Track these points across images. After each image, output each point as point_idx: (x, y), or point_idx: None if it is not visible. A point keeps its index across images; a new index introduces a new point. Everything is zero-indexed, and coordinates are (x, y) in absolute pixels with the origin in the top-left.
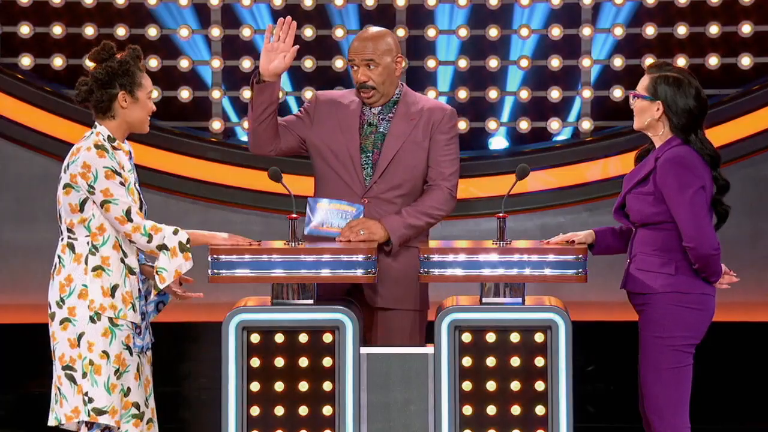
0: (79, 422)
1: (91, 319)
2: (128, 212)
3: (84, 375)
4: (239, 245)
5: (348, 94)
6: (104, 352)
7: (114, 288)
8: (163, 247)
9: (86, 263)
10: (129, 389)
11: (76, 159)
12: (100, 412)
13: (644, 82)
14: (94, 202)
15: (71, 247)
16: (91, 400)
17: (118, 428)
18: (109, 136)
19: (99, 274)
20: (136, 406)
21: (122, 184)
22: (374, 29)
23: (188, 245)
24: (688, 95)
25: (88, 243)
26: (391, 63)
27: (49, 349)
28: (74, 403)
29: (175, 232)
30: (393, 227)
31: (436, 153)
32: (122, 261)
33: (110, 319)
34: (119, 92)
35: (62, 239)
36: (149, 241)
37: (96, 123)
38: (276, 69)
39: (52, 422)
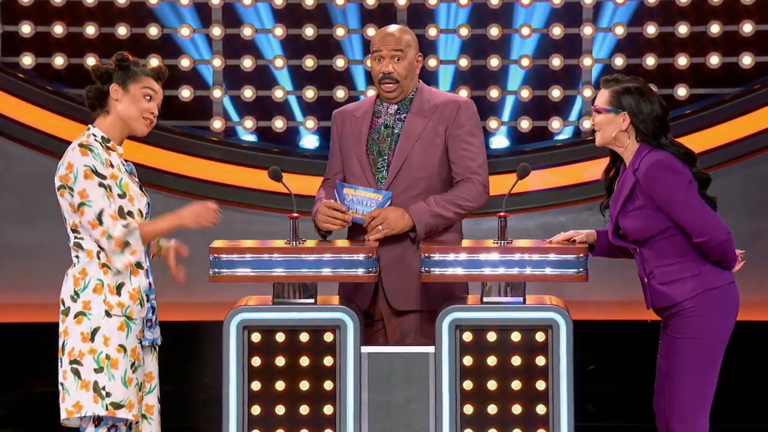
0: (81, 417)
1: (107, 314)
2: (100, 215)
3: (100, 369)
4: (207, 213)
5: (361, 104)
6: (121, 345)
7: (120, 286)
8: (126, 245)
9: (98, 258)
10: (142, 383)
11: (63, 160)
12: (117, 406)
13: (604, 96)
14: (71, 204)
15: (79, 246)
16: (108, 395)
17: (137, 422)
18: (103, 136)
19: (106, 272)
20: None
21: (102, 185)
22: (398, 25)
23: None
24: (653, 101)
25: (95, 241)
26: (414, 59)
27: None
28: (76, 398)
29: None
30: (418, 215)
31: (456, 148)
32: None
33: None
34: (113, 85)
35: (69, 241)
36: (114, 251)
37: (90, 126)
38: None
39: (63, 417)
